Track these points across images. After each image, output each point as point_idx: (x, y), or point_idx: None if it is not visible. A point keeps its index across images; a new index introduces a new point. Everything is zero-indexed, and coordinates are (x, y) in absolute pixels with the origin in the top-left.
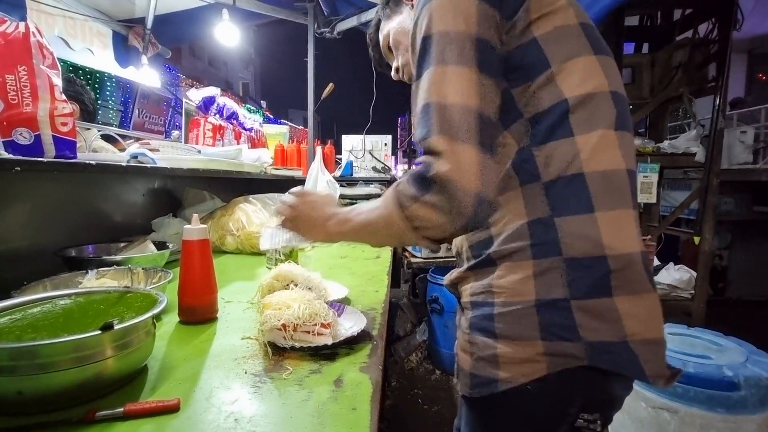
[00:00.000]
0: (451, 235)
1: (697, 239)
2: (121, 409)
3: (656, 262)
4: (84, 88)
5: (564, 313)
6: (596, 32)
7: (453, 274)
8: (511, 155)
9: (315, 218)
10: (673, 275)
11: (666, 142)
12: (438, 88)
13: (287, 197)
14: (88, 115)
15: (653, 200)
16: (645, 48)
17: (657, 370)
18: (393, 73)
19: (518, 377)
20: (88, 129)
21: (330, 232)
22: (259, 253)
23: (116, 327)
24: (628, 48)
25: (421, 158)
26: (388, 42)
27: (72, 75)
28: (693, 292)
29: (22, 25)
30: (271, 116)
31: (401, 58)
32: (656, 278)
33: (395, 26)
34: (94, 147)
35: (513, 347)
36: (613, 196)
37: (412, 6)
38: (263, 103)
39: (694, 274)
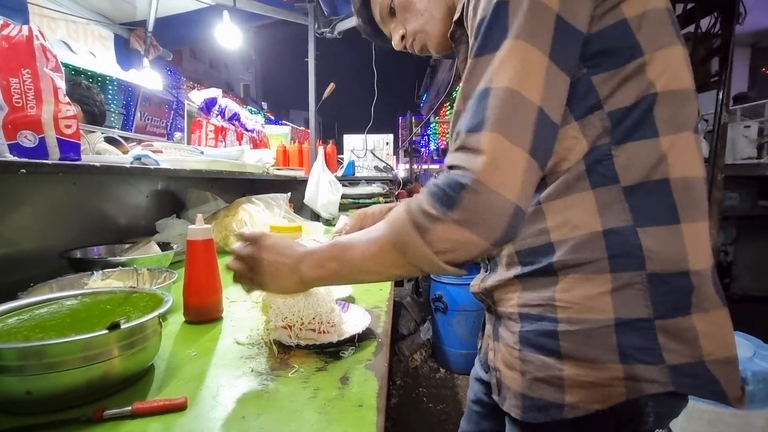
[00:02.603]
0: (478, 256)
1: None
2: (129, 408)
3: None
4: (90, 90)
5: (646, 334)
6: (676, 19)
7: (488, 281)
8: (579, 152)
9: (280, 263)
10: None
11: None
12: (507, 70)
13: (236, 246)
14: (94, 118)
15: None
16: None
17: (734, 391)
18: (396, 41)
19: (591, 403)
20: (92, 132)
21: (306, 276)
22: None
23: (123, 326)
24: None
25: (452, 159)
26: (390, 3)
27: (77, 78)
28: None
29: (25, 28)
30: (273, 117)
31: (413, 22)
32: None
33: None
34: (97, 150)
35: (584, 370)
36: (694, 205)
37: None
38: (264, 105)
39: None
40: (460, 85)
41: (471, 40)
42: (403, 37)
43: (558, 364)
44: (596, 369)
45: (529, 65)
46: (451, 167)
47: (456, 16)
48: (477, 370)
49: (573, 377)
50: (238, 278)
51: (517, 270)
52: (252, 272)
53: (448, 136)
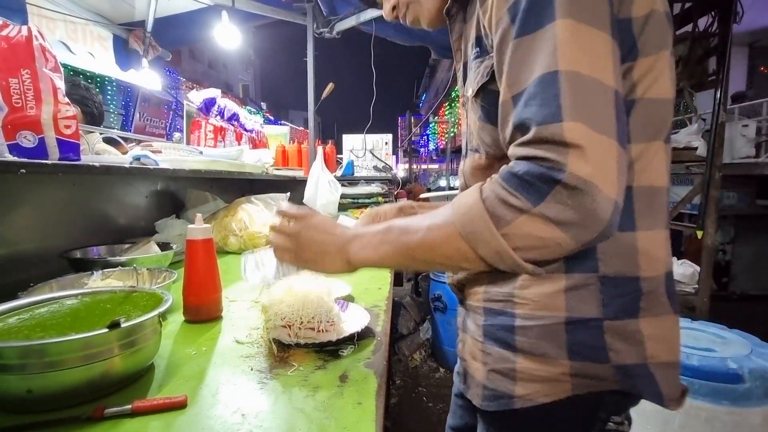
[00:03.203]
0: (564, 255)
1: (699, 234)
2: (129, 406)
3: None
4: (89, 91)
5: (595, 333)
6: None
7: (459, 274)
8: None
9: (327, 243)
10: (677, 270)
11: None
12: (571, 52)
13: (281, 222)
14: (93, 118)
15: None
16: None
17: (672, 393)
18: (387, 10)
19: (538, 396)
20: (91, 132)
21: (355, 258)
22: None
23: (123, 325)
24: None
25: (528, 151)
26: None
27: (76, 78)
28: (696, 286)
29: (24, 29)
30: (272, 117)
31: None
32: None
33: None
34: (96, 150)
35: (535, 363)
36: (654, 214)
37: None
38: (263, 105)
39: (698, 268)
40: (504, 74)
41: (500, 16)
42: (394, 8)
43: (513, 357)
44: (546, 364)
45: (596, 46)
46: (526, 158)
47: None
48: (458, 364)
49: (525, 370)
50: (281, 254)
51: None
52: (297, 249)
53: (447, 135)
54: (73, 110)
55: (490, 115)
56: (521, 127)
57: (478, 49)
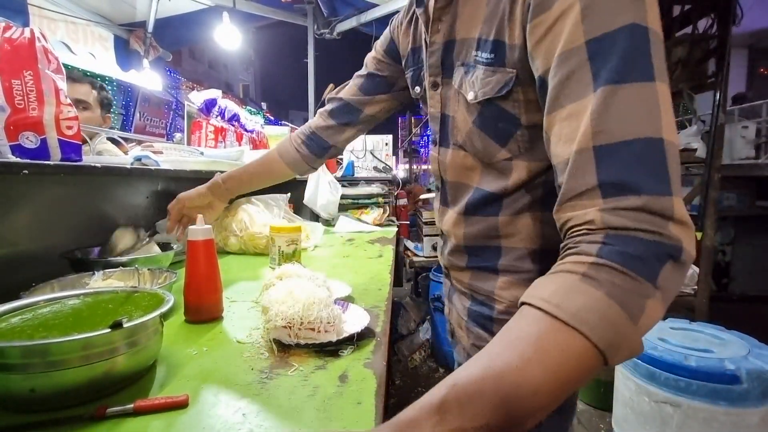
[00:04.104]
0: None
1: (699, 235)
2: (131, 405)
3: None
4: (105, 89)
5: None
6: None
7: (449, 260)
8: (540, 181)
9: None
10: None
11: None
12: (671, 122)
13: None
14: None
15: None
16: None
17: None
18: None
19: None
20: (95, 133)
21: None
22: (263, 254)
23: (125, 325)
24: None
25: (638, 220)
26: None
27: (96, 80)
28: (696, 287)
29: (27, 30)
30: (272, 118)
31: None
32: None
33: None
34: (99, 150)
35: None
36: None
37: None
38: (264, 105)
39: (697, 269)
40: (587, 116)
41: (573, 45)
42: None
43: (489, 338)
44: None
45: (671, 110)
46: (630, 228)
47: None
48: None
49: None
50: None
51: (466, 261)
52: None
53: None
54: (75, 111)
55: (487, 126)
56: (620, 187)
57: (493, 55)
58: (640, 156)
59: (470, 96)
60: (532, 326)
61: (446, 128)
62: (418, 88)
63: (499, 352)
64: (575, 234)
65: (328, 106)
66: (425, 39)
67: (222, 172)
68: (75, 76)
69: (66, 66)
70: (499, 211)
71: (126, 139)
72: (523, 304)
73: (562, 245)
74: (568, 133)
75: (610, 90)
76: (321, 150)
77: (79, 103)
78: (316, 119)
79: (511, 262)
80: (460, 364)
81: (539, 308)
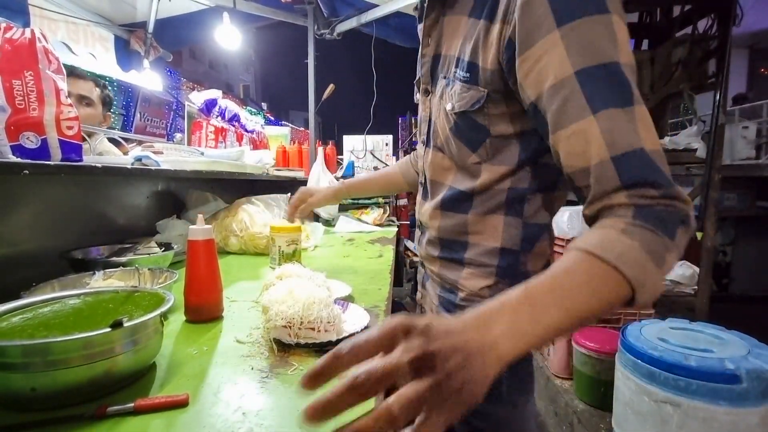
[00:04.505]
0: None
1: (699, 235)
2: (132, 405)
3: None
4: (107, 88)
5: None
6: None
7: (426, 249)
8: (506, 186)
9: (470, 363)
10: (676, 271)
11: (667, 139)
12: (650, 133)
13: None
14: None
15: None
16: (645, 45)
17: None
18: None
19: None
20: (94, 133)
21: (509, 353)
22: (263, 254)
23: (126, 324)
24: None
25: (661, 201)
26: None
27: (99, 80)
28: (696, 287)
29: (28, 31)
30: (272, 118)
31: None
32: None
33: None
34: (99, 150)
35: None
36: (552, 243)
37: None
38: (264, 106)
39: (697, 269)
40: (599, 136)
41: (564, 76)
42: None
43: None
44: None
45: (653, 128)
46: (655, 205)
47: None
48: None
49: None
50: (434, 406)
51: (438, 252)
52: (440, 397)
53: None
54: (75, 111)
55: (461, 134)
56: (640, 185)
57: (468, 74)
58: (642, 162)
59: (449, 107)
60: (584, 263)
61: (431, 131)
62: (417, 95)
63: (560, 275)
64: (609, 209)
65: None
66: (420, 51)
67: (222, 172)
68: (79, 72)
69: (67, 66)
70: (469, 210)
71: (126, 140)
72: (573, 249)
73: (592, 216)
74: (578, 149)
75: (609, 113)
76: None
77: (83, 99)
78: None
79: (475, 257)
80: None
81: (590, 252)
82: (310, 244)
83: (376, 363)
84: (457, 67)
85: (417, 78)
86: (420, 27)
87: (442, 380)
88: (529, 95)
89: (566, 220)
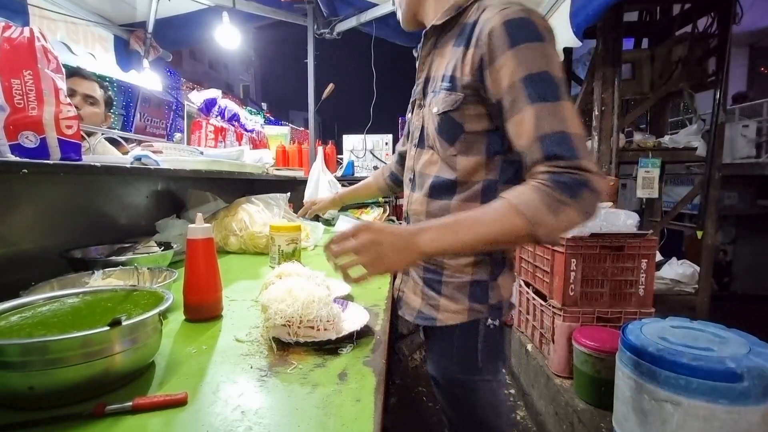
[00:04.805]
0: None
1: (699, 233)
2: (130, 403)
3: (659, 257)
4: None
5: (484, 288)
6: None
7: None
8: (481, 180)
9: (397, 243)
10: (676, 270)
11: (667, 137)
12: (572, 121)
13: (345, 243)
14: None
15: (655, 195)
16: (644, 43)
17: (508, 312)
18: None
19: (448, 320)
20: (93, 133)
21: (427, 247)
22: (263, 253)
23: (124, 323)
24: (628, 43)
25: (567, 170)
26: None
27: (102, 81)
28: (696, 286)
29: (27, 30)
30: (272, 118)
31: None
32: (659, 273)
33: None
34: (98, 150)
35: (450, 303)
36: None
37: None
38: (264, 105)
39: (698, 268)
40: (526, 122)
41: (513, 82)
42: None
43: (438, 297)
44: (456, 303)
45: (575, 115)
46: (562, 173)
47: (437, 22)
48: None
49: (443, 306)
50: (366, 264)
51: None
52: (372, 259)
53: None
54: (74, 110)
55: (443, 131)
56: (554, 158)
57: (450, 84)
58: (557, 140)
59: (435, 110)
60: (500, 206)
61: (423, 135)
62: (409, 114)
63: (482, 211)
64: (533, 176)
65: (396, 153)
66: (416, 77)
67: (222, 171)
68: (84, 73)
69: (71, 66)
70: (452, 197)
71: (126, 140)
72: (499, 198)
73: (527, 181)
74: (521, 131)
75: (540, 107)
76: (399, 182)
77: (88, 98)
78: (393, 160)
79: None
80: (403, 323)
81: (506, 199)
82: (310, 244)
83: (345, 246)
84: (442, 81)
85: (413, 99)
86: (416, 56)
87: (372, 260)
88: (494, 95)
89: None
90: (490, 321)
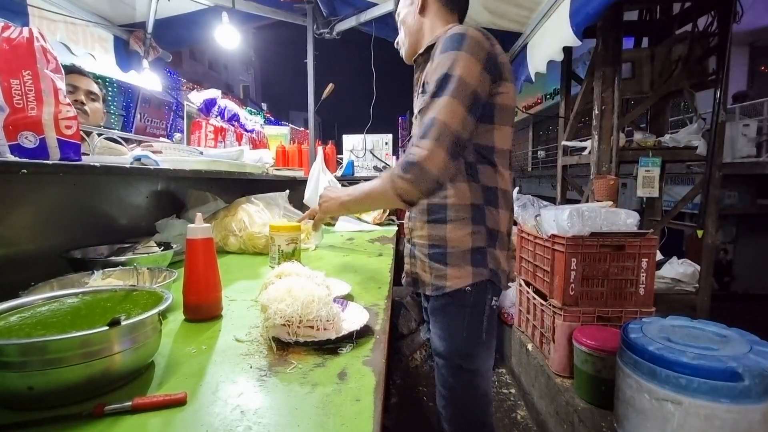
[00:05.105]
0: (416, 201)
1: (700, 233)
2: (129, 403)
3: (659, 256)
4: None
5: (482, 254)
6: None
7: (410, 224)
8: (462, 161)
9: (335, 196)
10: (677, 269)
11: (667, 136)
12: (445, 111)
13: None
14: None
15: (655, 194)
16: (644, 42)
17: (504, 283)
18: (395, 43)
19: (456, 284)
20: (89, 133)
21: (343, 201)
22: (262, 253)
23: (123, 323)
24: (628, 42)
25: (411, 148)
26: (396, 17)
27: (99, 81)
28: (697, 285)
29: (26, 30)
30: (272, 118)
31: (401, 34)
32: (659, 272)
33: (403, 7)
34: (100, 150)
35: (454, 270)
36: (506, 202)
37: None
38: (264, 105)
39: (698, 267)
40: (422, 110)
41: (431, 86)
42: (396, 43)
43: (444, 268)
44: (460, 269)
45: (457, 112)
46: (410, 153)
47: (420, 50)
48: (407, 276)
49: (450, 274)
50: (318, 206)
51: (426, 217)
52: (324, 202)
53: None
54: (74, 111)
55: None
56: (421, 138)
57: (422, 88)
58: (424, 124)
59: (416, 111)
60: (377, 179)
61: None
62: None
63: (368, 182)
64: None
65: None
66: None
67: (221, 171)
68: (82, 70)
69: (65, 64)
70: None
71: (127, 140)
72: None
73: None
74: (424, 116)
75: (429, 100)
76: None
77: (90, 94)
78: None
79: (454, 214)
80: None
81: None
82: (311, 245)
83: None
84: (420, 88)
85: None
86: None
87: (323, 203)
88: (430, 91)
89: (566, 218)
90: (494, 302)
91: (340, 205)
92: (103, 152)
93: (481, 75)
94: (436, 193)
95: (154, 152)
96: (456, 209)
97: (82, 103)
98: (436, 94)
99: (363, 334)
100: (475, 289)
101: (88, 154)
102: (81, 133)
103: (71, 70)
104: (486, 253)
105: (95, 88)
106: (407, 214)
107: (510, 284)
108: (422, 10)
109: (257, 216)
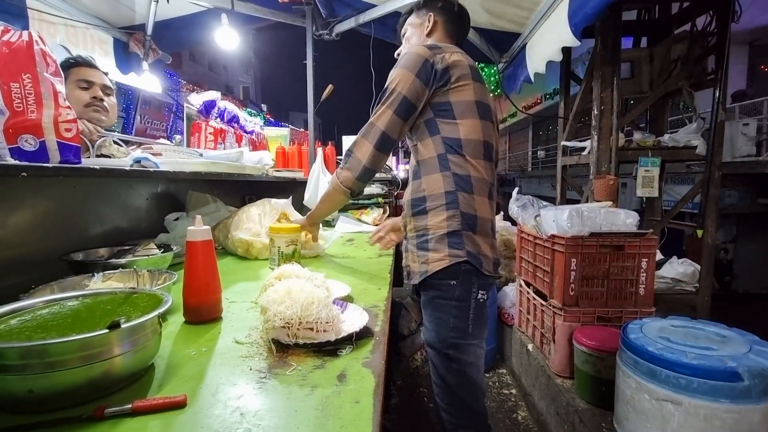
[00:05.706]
0: (355, 189)
1: (700, 232)
2: (129, 406)
3: (659, 256)
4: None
5: (458, 236)
6: (485, 106)
7: (404, 218)
8: (434, 154)
9: (304, 216)
10: (677, 269)
11: (667, 136)
12: (377, 116)
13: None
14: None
15: (655, 194)
16: (643, 42)
17: (488, 268)
18: (396, 54)
19: (436, 266)
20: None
21: (309, 215)
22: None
23: (123, 326)
24: (627, 42)
25: (348, 151)
26: (399, 32)
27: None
28: (697, 285)
29: (25, 33)
30: (272, 119)
31: (404, 50)
32: (659, 272)
33: (409, 25)
34: (102, 152)
35: (435, 254)
36: (480, 189)
37: (421, 20)
38: (264, 107)
39: (698, 267)
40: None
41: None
42: (398, 54)
43: (427, 254)
44: (439, 252)
45: (385, 116)
46: (347, 150)
47: None
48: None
49: (431, 258)
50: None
51: (411, 211)
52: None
53: None
54: (73, 113)
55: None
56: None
57: None
58: (365, 127)
59: None
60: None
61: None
62: None
63: (326, 190)
64: None
65: None
66: None
67: (221, 173)
68: (96, 64)
69: (80, 58)
70: (420, 175)
71: (127, 142)
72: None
73: None
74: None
75: (380, 108)
76: None
77: (106, 89)
78: None
79: (431, 203)
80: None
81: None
82: (322, 249)
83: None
84: None
85: None
86: None
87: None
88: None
89: (566, 218)
90: (480, 295)
91: (308, 218)
92: (116, 154)
93: (413, 83)
94: (370, 180)
95: (153, 154)
96: (432, 198)
97: (101, 99)
98: (378, 104)
99: (362, 335)
100: (461, 283)
101: (110, 156)
102: (96, 136)
103: (83, 63)
104: (462, 236)
105: (108, 81)
106: (403, 212)
107: (503, 275)
108: (430, 33)
109: (259, 220)
